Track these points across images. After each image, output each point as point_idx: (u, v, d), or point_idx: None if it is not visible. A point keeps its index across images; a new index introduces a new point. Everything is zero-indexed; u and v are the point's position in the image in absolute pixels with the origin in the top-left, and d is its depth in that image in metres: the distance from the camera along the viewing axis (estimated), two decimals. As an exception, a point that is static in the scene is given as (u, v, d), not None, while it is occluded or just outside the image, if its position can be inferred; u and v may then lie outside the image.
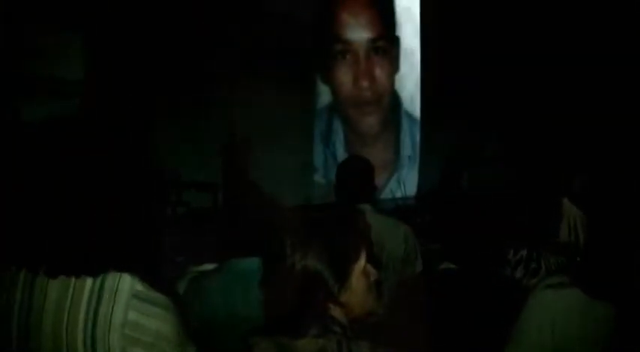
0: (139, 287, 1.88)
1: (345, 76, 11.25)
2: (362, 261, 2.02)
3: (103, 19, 8.10)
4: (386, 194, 9.98)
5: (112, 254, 1.91)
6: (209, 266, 3.27)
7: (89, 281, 1.86)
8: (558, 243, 3.71)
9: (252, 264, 2.80)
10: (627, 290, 2.15)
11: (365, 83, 11.32)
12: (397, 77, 11.83)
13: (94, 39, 8.19)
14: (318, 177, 10.72)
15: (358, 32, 11.45)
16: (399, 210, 8.77)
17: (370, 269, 2.04)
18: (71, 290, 1.86)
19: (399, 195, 10.47)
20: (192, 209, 8.68)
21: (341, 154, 10.08)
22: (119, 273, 1.87)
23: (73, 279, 1.86)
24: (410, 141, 12.23)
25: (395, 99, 11.90)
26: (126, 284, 1.86)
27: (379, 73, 11.58)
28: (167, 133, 8.94)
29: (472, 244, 3.01)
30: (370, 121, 11.49)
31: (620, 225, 2.27)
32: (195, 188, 8.92)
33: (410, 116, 12.27)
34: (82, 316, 1.84)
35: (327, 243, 1.97)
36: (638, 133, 12.09)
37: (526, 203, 3.33)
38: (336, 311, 1.98)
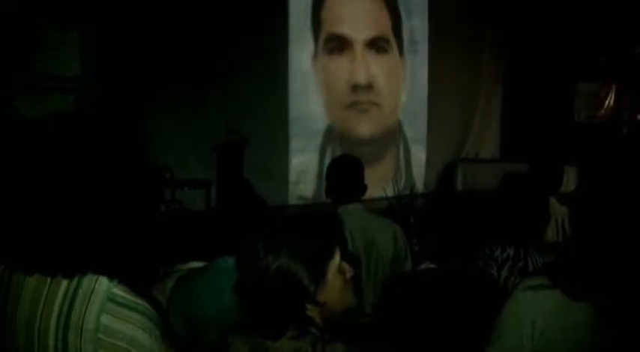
0: (116, 290, 1.81)
1: (340, 72, 11.28)
2: (337, 259, 2.00)
3: (100, 16, 8.09)
4: (379, 193, 9.97)
5: (94, 255, 1.86)
6: (197, 264, 3.28)
7: (65, 282, 1.82)
8: (546, 242, 3.71)
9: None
10: (608, 292, 2.15)
11: (361, 82, 11.35)
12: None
13: (91, 36, 8.18)
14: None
15: (356, 29, 11.47)
16: (392, 209, 8.75)
17: (345, 266, 2.03)
18: (46, 290, 1.82)
19: (391, 194, 10.45)
20: (184, 207, 8.67)
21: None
22: (96, 275, 1.83)
23: (49, 279, 1.82)
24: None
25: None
26: (102, 286, 1.80)
27: (377, 72, 11.62)
28: (161, 131, 8.94)
29: (459, 243, 3.01)
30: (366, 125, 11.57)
31: (601, 227, 2.28)
32: (188, 186, 8.91)
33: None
34: (54, 317, 1.80)
35: (299, 242, 1.97)
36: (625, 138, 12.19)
37: (514, 202, 3.32)
38: (313, 312, 1.97)
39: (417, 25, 12.45)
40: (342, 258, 2.03)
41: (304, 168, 10.76)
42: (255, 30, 9.92)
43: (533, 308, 2.25)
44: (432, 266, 3.07)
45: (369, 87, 11.72)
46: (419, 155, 12.67)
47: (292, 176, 10.85)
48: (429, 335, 2.79)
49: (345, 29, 11.47)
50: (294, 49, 10.96)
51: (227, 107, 9.67)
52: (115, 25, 8.30)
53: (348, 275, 2.04)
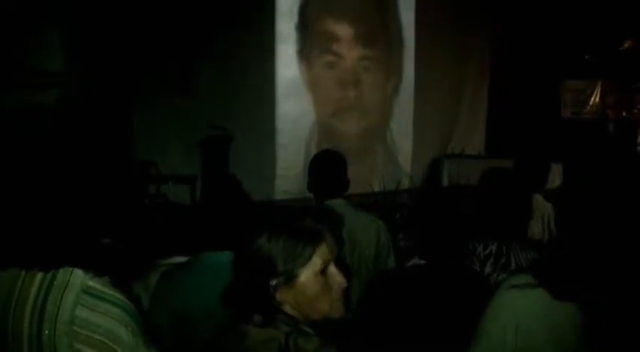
0: (92, 283, 1.81)
1: (327, 68, 11.31)
2: (316, 266, 1.96)
3: (85, 11, 8.05)
4: (364, 189, 9.97)
5: (71, 248, 1.84)
6: (180, 259, 3.26)
7: (40, 274, 1.81)
8: (529, 238, 3.71)
9: (224, 257, 2.80)
10: (592, 292, 2.15)
11: (351, 93, 11.41)
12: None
13: (77, 30, 8.14)
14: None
15: (343, 25, 11.48)
16: (378, 204, 8.76)
17: (337, 275, 2.01)
18: (20, 283, 1.81)
19: (377, 189, 10.46)
20: (170, 201, 8.66)
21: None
22: (71, 268, 1.81)
23: (23, 272, 1.82)
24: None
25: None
26: (77, 279, 1.79)
27: (364, 68, 11.66)
28: (147, 126, 8.93)
29: (445, 238, 2.99)
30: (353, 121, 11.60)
31: (586, 225, 2.28)
32: (173, 181, 8.89)
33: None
34: (28, 309, 1.78)
35: (284, 229, 1.95)
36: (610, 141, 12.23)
37: (496, 197, 3.32)
38: (284, 301, 1.96)
39: (404, 20, 12.45)
40: (337, 263, 2.01)
41: (290, 163, 10.76)
42: (242, 26, 9.92)
43: (517, 308, 2.25)
44: (421, 262, 3.05)
45: (356, 83, 11.73)
46: (405, 150, 12.68)
47: (278, 171, 10.86)
48: (412, 333, 2.78)
49: (331, 26, 11.46)
50: (281, 46, 10.95)
51: (214, 102, 9.66)
52: (101, 20, 8.26)
53: (339, 286, 2.02)
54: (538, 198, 4.60)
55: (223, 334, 1.95)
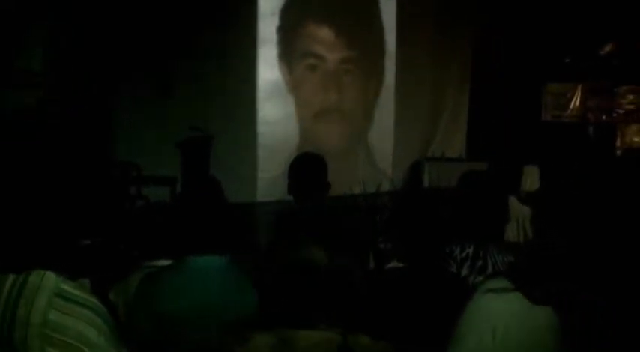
0: (65, 286, 1.80)
1: (308, 72, 11.29)
2: None
3: (65, 11, 8.01)
4: (345, 191, 9.96)
5: (45, 251, 1.83)
6: (164, 262, 3.24)
7: (12, 277, 1.79)
8: (506, 241, 3.72)
9: (209, 261, 2.80)
10: (568, 296, 2.16)
11: (333, 96, 11.39)
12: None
13: (56, 31, 8.10)
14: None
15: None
16: (359, 207, 8.75)
17: None
18: None
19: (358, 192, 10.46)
20: (151, 203, 8.63)
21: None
22: (43, 271, 1.80)
23: None
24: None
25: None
26: (50, 282, 1.78)
27: (346, 72, 11.65)
28: (128, 128, 8.91)
29: (421, 241, 3.01)
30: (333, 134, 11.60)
31: (562, 228, 2.29)
32: (154, 182, 8.87)
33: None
34: None
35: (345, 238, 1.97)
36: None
37: (472, 200, 3.33)
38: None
39: (385, 23, 12.47)
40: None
41: (271, 165, 10.75)
42: (223, 28, 9.90)
43: (494, 312, 2.26)
44: (400, 265, 3.06)
45: (338, 86, 11.73)
46: (386, 153, 12.69)
47: (259, 173, 10.85)
48: (390, 335, 2.79)
49: (313, 28, 11.47)
50: (262, 48, 10.94)
51: (194, 104, 9.64)
52: (81, 20, 8.23)
53: None
54: (513, 201, 4.62)
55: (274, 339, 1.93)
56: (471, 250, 3.26)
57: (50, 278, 1.79)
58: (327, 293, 1.94)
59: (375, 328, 2.10)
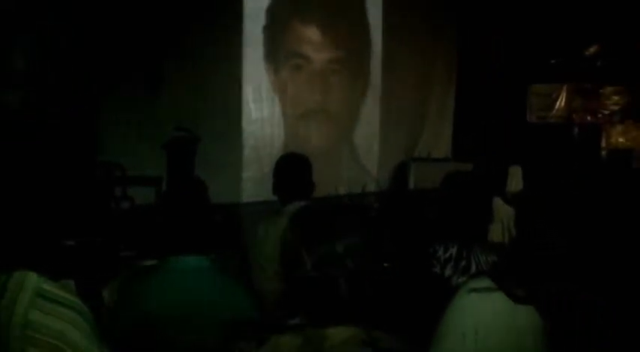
0: (46, 286, 1.78)
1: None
2: None
3: (50, 11, 7.98)
4: (330, 192, 9.98)
5: (28, 251, 1.82)
6: (151, 262, 3.23)
7: None
8: (490, 241, 3.73)
9: (193, 262, 2.79)
10: (551, 295, 2.16)
11: (319, 96, 11.38)
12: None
13: (40, 30, 8.07)
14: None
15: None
16: (343, 208, 8.75)
17: None
18: None
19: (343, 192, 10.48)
20: (136, 204, 8.62)
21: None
22: (25, 271, 1.79)
23: None
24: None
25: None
26: (31, 282, 1.77)
27: (331, 71, 11.64)
28: (113, 128, 8.88)
29: (404, 241, 3.01)
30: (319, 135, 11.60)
31: (544, 229, 2.29)
32: (139, 183, 8.85)
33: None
34: None
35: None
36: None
37: (456, 200, 3.34)
38: None
39: (371, 24, 12.48)
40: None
41: (257, 166, 10.75)
42: (210, 27, 9.89)
43: (477, 311, 2.26)
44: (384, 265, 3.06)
45: (324, 86, 11.74)
46: (372, 154, 12.71)
47: (245, 173, 10.84)
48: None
49: (299, 28, 11.46)
50: (248, 48, 10.92)
51: (181, 104, 9.62)
52: (65, 19, 8.20)
53: None
54: (498, 202, 4.63)
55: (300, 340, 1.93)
56: (454, 250, 3.26)
57: (32, 278, 1.78)
58: (352, 291, 1.94)
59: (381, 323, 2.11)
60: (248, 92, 10.93)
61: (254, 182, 10.65)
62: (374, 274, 2.03)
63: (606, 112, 13.39)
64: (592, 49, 12.95)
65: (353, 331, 1.87)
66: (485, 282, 2.29)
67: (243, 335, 1.99)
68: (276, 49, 11.25)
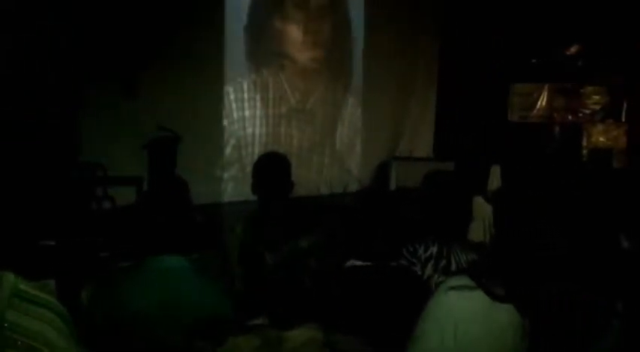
0: (23, 286, 1.77)
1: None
2: None
3: (31, 10, 7.95)
4: (312, 191, 9.99)
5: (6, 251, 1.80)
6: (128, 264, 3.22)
7: None
8: (470, 240, 3.74)
9: (171, 262, 2.78)
10: (530, 293, 2.17)
11: (300, 96, 11.39)
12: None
13: (20, 29, 8.03)
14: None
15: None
16: (325, 207, 8.76)
17: None
18: None
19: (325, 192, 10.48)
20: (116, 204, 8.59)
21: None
22: (2, 272, 1.77)
23: None
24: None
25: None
26: (7, 282, 1.76)
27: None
28: (94, 128, 8.85)
29: (385, 240, 3.00)
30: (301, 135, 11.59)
31: (520, 227, 2.30)
32: (120, 183, 8.81)
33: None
34: None
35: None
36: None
37: (436, 199, 3.34)
38: None
39: (353, 23, 12.50)
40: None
41: (238, 165, 10.75)
42: (191, 27, 9.86)
43: (455, 310, 2.26)
44: (358, 263, 3.05)
45: (305, 85, 11.74)
46: (353, 153, 12.72)
47: (226, 173, 10.83)
48: (350, 334, 2.79)
49: (281, 27, 11.45)
50: (230, 46, 10.89)
51: (161, 104, 9.58)
52: (46, 18, 8.16)
53: None
54: (479, 200, 4.64)
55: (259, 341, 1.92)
56: (434, 249, 3.27)
57: (9, 278, 1.76)
58: (312, 292, 1.94)
59: (343, 325, 2.10)
60: (229, 92, 10.90)
61: (235, 182, 10.65)
62: (332, 273, 2.03)
63: (587, 112, 13.47)
64: (573, 49, 13.02)
65: (312, 333, 1.87)
66: (465, 280, 2.29)
67: (203, 335, 1.99)
68: (257, 49, 11.22)
